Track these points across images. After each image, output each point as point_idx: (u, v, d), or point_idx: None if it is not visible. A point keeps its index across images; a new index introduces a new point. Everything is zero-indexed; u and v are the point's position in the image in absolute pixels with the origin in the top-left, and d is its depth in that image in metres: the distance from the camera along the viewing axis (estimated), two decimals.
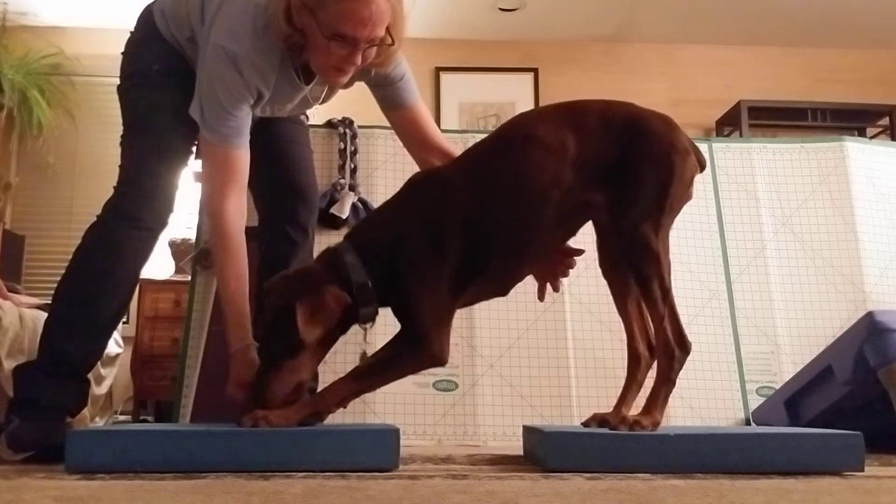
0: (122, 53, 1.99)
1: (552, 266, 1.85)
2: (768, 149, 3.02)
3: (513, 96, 5.29)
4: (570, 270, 1.88)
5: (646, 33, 5.29)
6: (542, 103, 5.21)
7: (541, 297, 1.88)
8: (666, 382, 1.59)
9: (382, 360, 1.59)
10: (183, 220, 4.53)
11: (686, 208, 2.84)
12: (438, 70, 5.27)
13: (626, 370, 1.75)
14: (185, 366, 2.57)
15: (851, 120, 5.15)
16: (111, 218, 1.89)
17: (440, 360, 1.58)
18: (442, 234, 1.57)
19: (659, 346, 1.61)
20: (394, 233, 1.60)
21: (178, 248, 4.36)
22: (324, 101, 2.01)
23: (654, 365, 1.66)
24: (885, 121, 5.12)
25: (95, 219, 1.91)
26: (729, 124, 5.17)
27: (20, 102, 4.74)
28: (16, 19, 4.84)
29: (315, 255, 2.24)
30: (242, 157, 1.80)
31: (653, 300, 1.58)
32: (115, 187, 1.92)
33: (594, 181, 1.62)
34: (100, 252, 1.87)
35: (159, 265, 4.58)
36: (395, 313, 1.62)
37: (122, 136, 1.95)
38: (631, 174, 1.60)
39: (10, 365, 2.27)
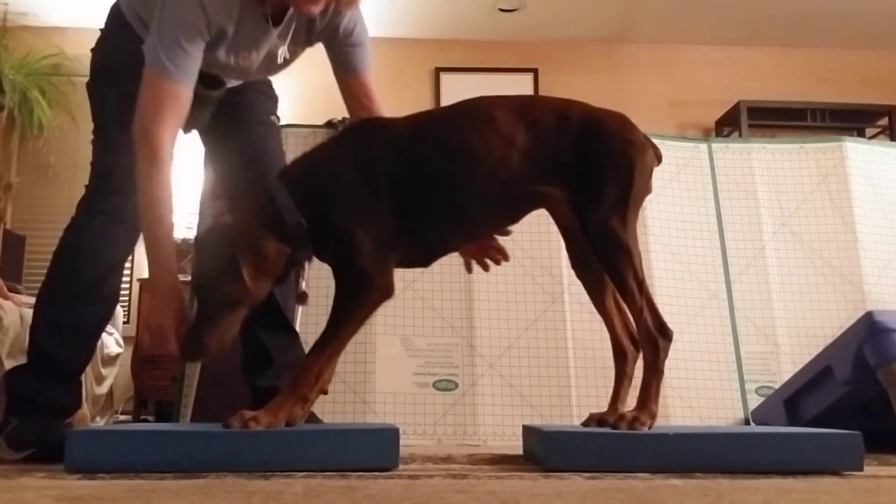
0: (91, 50, 1.95)
1: (483, 248, 1.86)
2: (767, 149, 3.03)
3: None
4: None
5: (645, 33, 5.30)
6: None
7: (468, 269, 1.89)
8: (655, 372, 1.60)
9: (334, 315, 1.56)
10: (183, 221, 4.55)
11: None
12: (438, 70, 5.28)
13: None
14: (185, 366, 2.57)
15: (850, 120, 5.16)
16: (86, 217, 1.87)
17: (386, 292, 1.56)
18: (377, 174, 1.56)
19: (642, 337, 1.63)
20: (329, 169, 1.58)
21: (178, 249, 4.36)
22: (290, 61, 1.96)
23: (641, 358, 1.67)
24: (884, 121, 5.13)
25: (70, 220, 1.89)
26: (728, 125, 5.17)
27: (21, 103, 4.75)
28: (17, 20, 4.85)
29: None
30: (185, 95, 1.70)
31: (629, 293, 1.60)
32: (86, 186, 1.89)
33: (547, 174, 1.64)
34: (77, 252, 1.85)
35: None
36: (332, 257, 1.59)
37: (92, 134, 1.92)
38: (592, 172, 1.63)
39: (10, 364, 2.28)
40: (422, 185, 1.60)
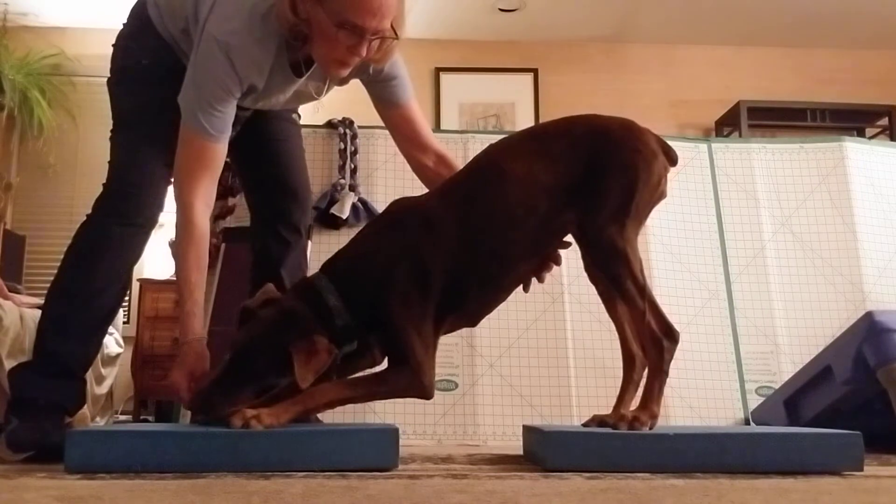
0: (113, 46, 1.96)
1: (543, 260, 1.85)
2: (767, 149, 3.03)
3: (513, 96, 5.30)
4: (563, 267, 1.87)
5: (646, 33, 5.30)
6: (541, 103, 5.23)
7: (525, 288, 1.88)
8: (659, 374, 1.61)
9: (376, 377, 1.59)
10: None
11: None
12: (438, 70, 5.28)
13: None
14: None
15: (850, 120, 5.16)
16: (100, 216, 1.88)
17: (429, 393, 1.58)
18: (428, 271, 1.58)
19: (646, 340, 1.64)
20: (377, 269, 1.59)
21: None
22: (322, 96, 1.99)
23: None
24: (884, 121, 5.13)
25: (85, 218, 1.90)
26: (728, 124, 5.18)
27: (21, 103, 4.75)
28: (17, 20, 4.85)
29: (309, 253, 2.21)
30: (220, 151, 1.78)
31: (630, 298, 1.60)
32: (103, 185, 1.91)
33: (566, 202, 1.64)
34: (90, 251, 1.87)
35: (159, 265, 4.60)
36: (383, 348, 1.63)
37: (111, 132, 1.94)
38: (596, 184, 1.62)
39: (10, 365, 2.27)
40: (464, 267, 1.61)
